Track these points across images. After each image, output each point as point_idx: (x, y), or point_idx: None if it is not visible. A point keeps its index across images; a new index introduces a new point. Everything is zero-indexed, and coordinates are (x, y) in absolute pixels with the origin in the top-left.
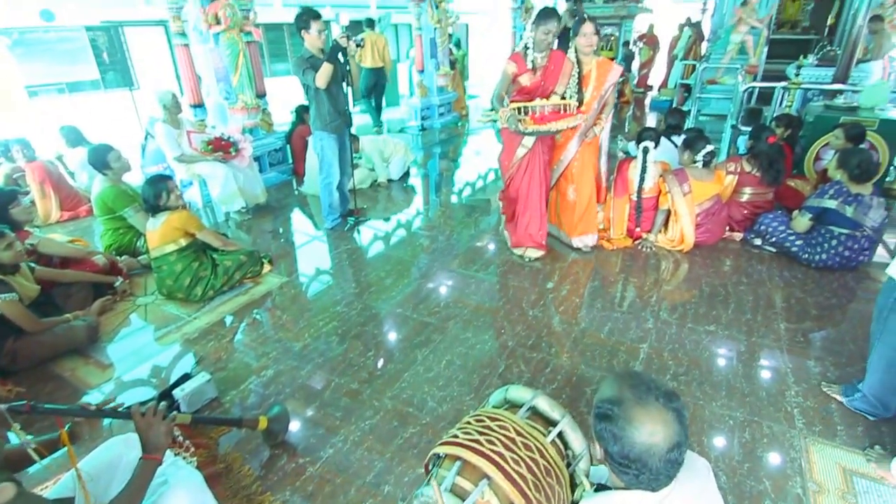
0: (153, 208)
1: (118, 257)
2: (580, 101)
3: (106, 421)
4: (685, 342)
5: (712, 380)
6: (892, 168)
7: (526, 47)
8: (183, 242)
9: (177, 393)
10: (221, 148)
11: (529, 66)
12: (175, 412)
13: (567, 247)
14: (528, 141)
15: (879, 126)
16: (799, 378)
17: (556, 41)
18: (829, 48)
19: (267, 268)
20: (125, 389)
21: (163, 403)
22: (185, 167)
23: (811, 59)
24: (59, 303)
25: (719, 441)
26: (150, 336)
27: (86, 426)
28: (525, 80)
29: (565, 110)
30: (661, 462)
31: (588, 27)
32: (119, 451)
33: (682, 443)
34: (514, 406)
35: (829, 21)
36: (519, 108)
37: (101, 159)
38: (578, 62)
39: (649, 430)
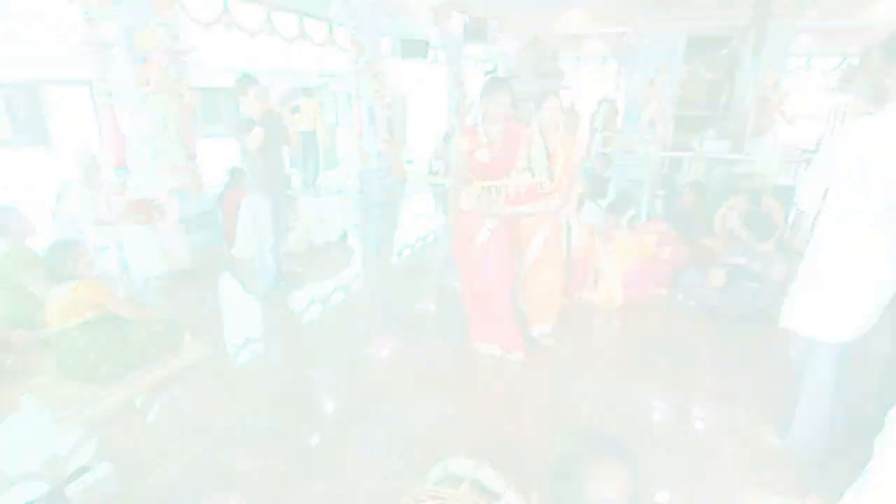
0: (58, 276)
1: (12, 331)
2: (551, 177)
3: None
4: (622, 400)
5: (652, 436)
6: (787, 227)
7: (476, 123)
8: (88, 315)
9: (70, 490)
10: (143, 210)
11: (484, 140)
12: None
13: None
14: (492, 223)
15: (773, 190)
16: (731, 429)
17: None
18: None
19: (187, 338)
20: (8, 489)
21: None
22: (102, 230)
23: (711, 132)
24: None
25: (663, 500)
26: (45, 422)
27: None
28: (482, 156)
29: (539, 189)
30: None
31: (554, 102)
32: None
33: (638, 497)
34: (456, 480)
35: (724, 100)
36: (490, 188)
37: (0, 221)
38: (543, 137)
39: (606, 485)
